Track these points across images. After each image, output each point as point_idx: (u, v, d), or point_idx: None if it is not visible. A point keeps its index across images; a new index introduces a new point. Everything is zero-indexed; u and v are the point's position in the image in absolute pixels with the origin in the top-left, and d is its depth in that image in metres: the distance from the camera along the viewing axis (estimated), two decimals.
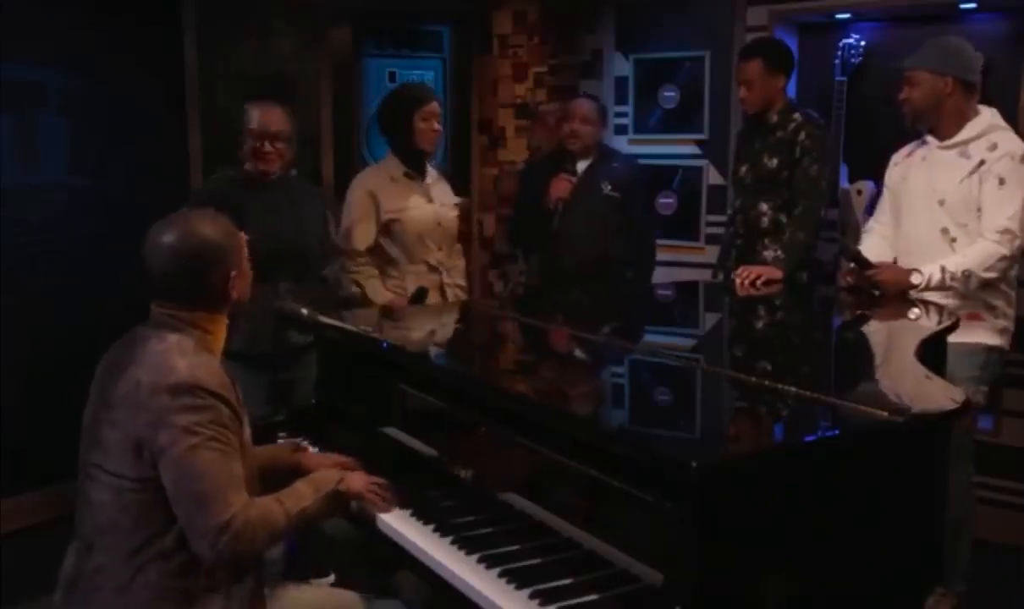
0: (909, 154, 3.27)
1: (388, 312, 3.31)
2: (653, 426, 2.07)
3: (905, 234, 3.24)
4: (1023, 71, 3.89)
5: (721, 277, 3.90)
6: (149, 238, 1.98)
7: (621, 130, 5.02)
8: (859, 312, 3.13)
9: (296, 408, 2.81)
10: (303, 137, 3.43)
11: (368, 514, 2.11)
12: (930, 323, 2.78)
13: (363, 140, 5.21)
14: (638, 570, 1.68)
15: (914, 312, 2.94)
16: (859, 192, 4.20)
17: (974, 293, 3.06)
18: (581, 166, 4.00)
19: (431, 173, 3.75)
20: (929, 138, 3.19)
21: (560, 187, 3.94)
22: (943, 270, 3.01)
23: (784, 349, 2.78)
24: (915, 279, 3.04)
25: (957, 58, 3.10)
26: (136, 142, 4.20)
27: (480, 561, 1.86)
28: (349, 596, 2.21)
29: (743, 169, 3.82)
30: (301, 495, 2.01)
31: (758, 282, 3.33)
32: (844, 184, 4.26)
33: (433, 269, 3.64)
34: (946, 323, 2.74)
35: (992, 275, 3.03)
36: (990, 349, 3.09)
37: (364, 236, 3.54)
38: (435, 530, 2.00)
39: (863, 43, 4.27)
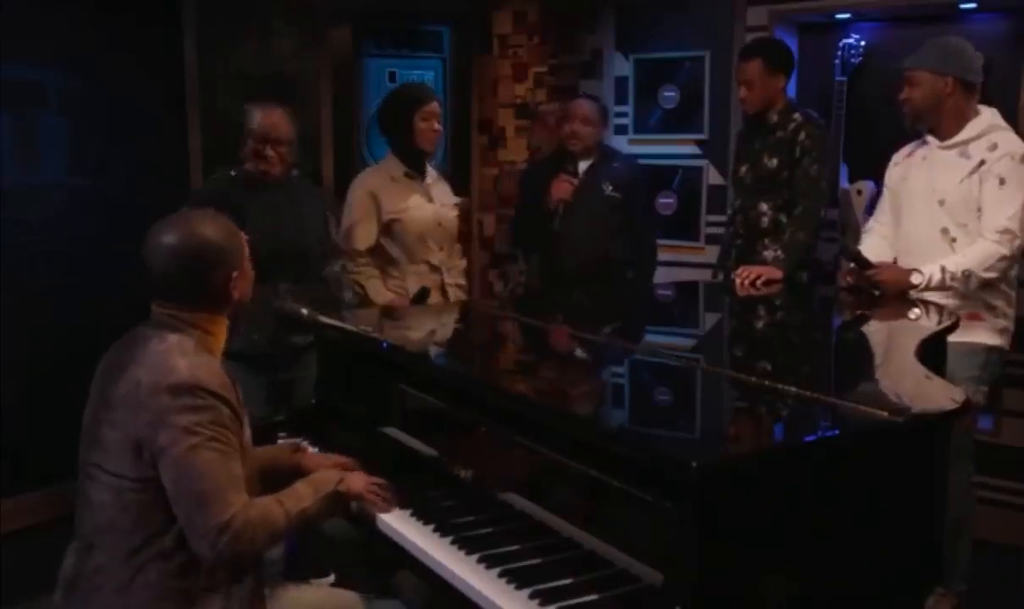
0: (909, 154, 3.27)
1: (388, 312, 3.31)
2: (653, 426, 2.07)
3: (905, 234, 3.24)
4: (1023, 71, 3.89)
5: (721, 277, 3.90)
6: (150, 238, 1.98)
7: (621, 130, 5.02)
8: (859, 312, 3.13)
9: (296, 408, 2.81)
10: (303, 137, 3.43)
11: (368, 514, 2.11)
12: (930, 323, 2.78)
13: (363, 140, 5.21)
14: (638, 570, 1.68)
15: (914, 312, 2.94)
16: (859, 192, 4.20)
17: (974, 293, 3.06)
18: (582, 167, 4.00)
19: (431, 173, 3.75)
20: (929, 138, 3.19)
21: (561, 188, 3.93)
22: (943, 270, 3.01)
23: (784, 349, 2.78)
24: (915, 279, 3.04)
25: (957, 58, 3.10)
26: (136, 142, 4.20)
27: (480, 561, 1.86)
28: (349, 596, 2.21)
29: (743, 169, 3.82)
30: (301, 496, 2.01)
31: (758, 282, 3.33)
32: (844, 184, 4.26)
33: (434, 269, 3.65)
34: (946, 323, 2.74)
35: (992, 275, 3.03)
36: (990, 349, 3.09)
37: (365, 236, 3.54)
38: (435, 530, 2.00)
39: (863, 43, 4.27)
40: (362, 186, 3.62)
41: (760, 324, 3.18)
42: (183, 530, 1.86)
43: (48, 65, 3.95)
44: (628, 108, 5.03)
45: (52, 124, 3.99)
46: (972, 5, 3.98)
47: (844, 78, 4.26)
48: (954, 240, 3.08)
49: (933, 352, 2.48)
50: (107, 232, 4.06)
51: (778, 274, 3.41)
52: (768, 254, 3.64)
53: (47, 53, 3.93)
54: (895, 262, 3.24)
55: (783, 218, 3.66)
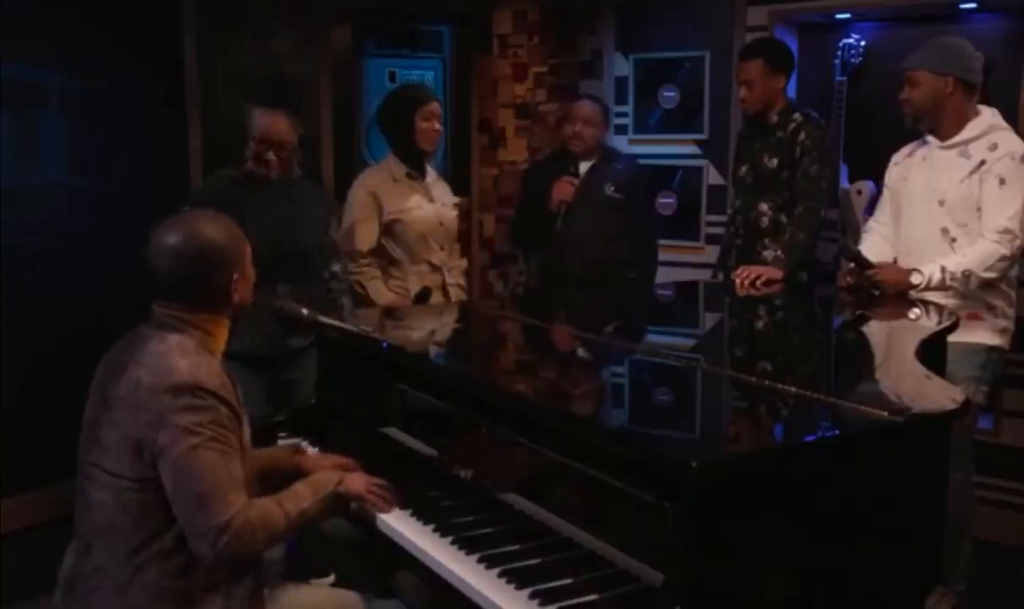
0: (909, 154, 3.27)
1: (388, 312, 3.31)
2: (653, 426, 2.07)
3: (905, 234, 3.24)
4: (1023, 71, 3.89)
5: (721, 277, 3.90)
6: (153, 238, 1.98)
7: (621, 130, 5.02)
8: (859, 312, 3.13)
9: (296, 408, 2.81)
10: (303, 137, 3.43)
11: (368, 514, 2.11)
12: (930, 323, 2.78)
13: (363, 140, 5.21)
14: (638, 570, 1.68)
15: (914, 312, 2.95)
16: (859, 192, 4.20)
17: (974, 293, 3.06)
18: (584, 167, 3.99)
19: (431, 173, 3.75)
20: (929, 138, 3.19)
21: (563, 190, 3.92)
22: (943, 270, 3.01)
23: (784, 349, 2.78)
24: (915, 279, 3.04)
25: (958, 58, 3.10)
26: (136, 142, 4.20)
27: (480, 561, 1.86)
28: (349, 596, 2.21)
29: (743, 169, 3.82)
30: (300, 497, 2.01)
31: (758, 282, 3.33)
32: (844, 184, 4.26)
33: (435, 269, 3.65)
34: (946, 323, 2.74)
35: (992, 275, 3.03)
36: (990, 349, 3.09)
37: (366, 237, 3.54)
38: (435, 530, 2.00)
39: (863, 43, 4.27)
40: (363, 186, 3.62)
41: (760, 324, 3.18)
42: (183, 530, 1.86)
43: (48, 65, 3.94)
44: (628, 108, 5.03)
45: (52, 124, 3.99)
46: (972, 5, 3.98)
47: (844, 78, 4.26)
48: (954, 240, 3.08)
49: (933, 352, 2.48)
50: (107, 232, 4.06)
51: (778, 274, 3.41)
52: (768, 254, 3.64)
53: (47, 53, 3.93)
54: (895, 262, 3.24)
55: (783, 218, 3.66)
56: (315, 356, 2.89)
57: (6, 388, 3.84)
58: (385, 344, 2.50)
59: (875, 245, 3.32)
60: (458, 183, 4.70)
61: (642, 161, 4.63)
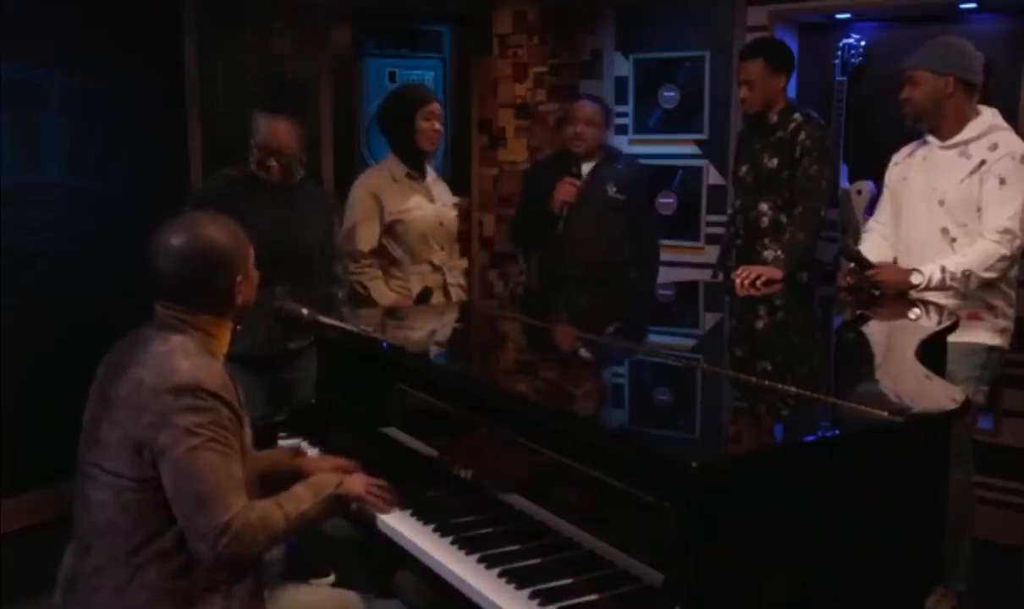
0: (910, 154, 3.27)
1: (388, 312, 3.31)
2: (653, 426, 2.07)
3: (905, 234, 3.24)
4: (1023, 71, 3.89)
5: (721, 277, 3.90)
6: (157, 239, 1.98)
7: (621, 130, 5.02)
8: (859, 312, 3.13)
9: (296, 408, 2.81)
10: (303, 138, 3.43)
11: (368, 514, 2.11)
12: (930, 323, 2.78)
13: (363, 140, 5.21)
14: (638, 570, 1.68)
15: (914, 312, 2.95)
16: (859, 192, 4.20)
17: (974, 293, 3.06)
18: (585, 168, 3.99)
19: (430, 173, 3.75)
20: (930, 138, 3.19)
21: (565, 191, 3.92)
22: (943, 270, 3.01)
23: (784, 349, 2.78)
24: (915, 279, 3.04)
25: (958, 58, 3.10)
26: (136, 142, 4.20)
27: (480, 561, 1.86)
28: (349, 596, 2.21)
29: (743, 169, 3.82)
30: (300, 499, 2.01)
31: (758, 282, 3.33)
32: (844, 184, 4.26)
33: (436, 269, 3.65)
34: (946, 323, 2.74)
35: (992, 275, 3.03)
36: (990, 349, 3.09)
37: (368, 237, 3.54)
38: (435, 530, 2.00)
39: (863, 43, 4.27)
40: (364, 187, 3.61)
41: (760, 324, 3.18)
42: (182, 531, 1.86)
43: (48, 65, 3.94)
44: (628, 108, 5.03)
45: (52, 124, 3.99)
46: (972, 5, 3.98)
47: (844, 78, 4.26)
48: (954, 240, 3.08)
49: (933, 352, 2.48)
50: (107, 232, 4.06)
51: (778, 274, 3.41)
52: (768, 254, 3.64)
53: (47, 53, 3.93)
54: (895, 262, 3.24)
55: (783, 218, 3.66)
56: (315, 356, 2.89)
57: (6, 388, 3.84)
58: (385, 344, 2.50)
59: (875, 245, 3.31)
60: (458, 183, 4.70)
61: (642, 161, 4.64)
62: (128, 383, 1.88)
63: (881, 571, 1.81)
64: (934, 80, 3.09)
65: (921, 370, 2.22)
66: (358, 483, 2.11)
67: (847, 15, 4.33)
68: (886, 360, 2.61)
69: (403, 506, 2.11)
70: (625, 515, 1.70)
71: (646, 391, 2.35)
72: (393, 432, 2.38)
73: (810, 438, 1.92)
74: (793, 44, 4.35)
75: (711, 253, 4.50)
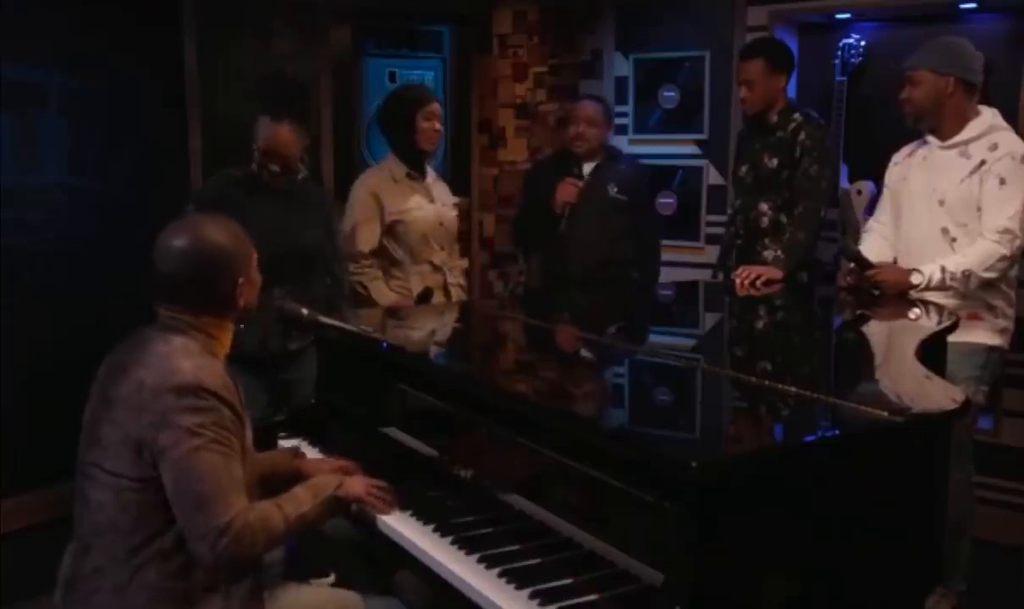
0: (910, 154, 3.27)
1: (388, 312, 3.31)
2: (653, 426, 2.07)
3: (905, 234, 3.24)
4: (1023, 71, 3.89)
5: (721, 277, 3.89)
6: (159, 241, 1.99)
7: (621, 130, 5.02)
8: (859, 312, 3.13)
9: (296, 408, 2.81)
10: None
11: (368, 515, 2.11)
12: (930, 323, 2.78)
13: (363, 140, 5.21)
14: (638, 570, 1.68)
15: (914, 312, 2.95)
16: (859, 192, 4.20)
17: (974, 293, 3.06)
18: (587, 168, 3.99)
19: (430, 173, 3.75)
20: (930, 138, 3.19)
21: (567, 191, 3.91)
22: (943, 270, 3.01)
23: (784, 349, 2.78)
24: (915, 279, 3.04)
25: (958, 58, 3.10)
26: (136, 142, 4.20)
27: (480, 561, 1.86)
28: (349, 596, 2.21)
29: (743, 169, 3.82)
30: (300, 500, 2.01)
31: (758, 282, 3.33)
32: (844, 184, 4.26)
33: (437, 269, 3.65)
34: (946, 323, 2.74)
35: (992, 275, 3.03)
36: (990, 349, 3.09)
37: (368, 238, 3.54)
38: (435, 530, 2.00)
39: (863, 43, 4.27)
40: (364, 187, 3.62)
41: (760, 324, 3.18)
42: (182, 531, 1.86)
43: (48, 65, 3.94)
44: (628, 108, 5.03)
45: (52, 124, 3.99)
46: (972, 5, 3.98)
47: (844, 78, 4.26)
48: (954, 240, 3.08)
49: (933, 352, 2.48)
50: (107, 232, 4.06)
51: (778, 274, 3.41)
52: (768, 254, 3.64)
53: (47, 53, 3.93)
54: (895, 262, 3.24)
55: (783, 218, 3.66)
56: (315, 356, 2.89)
57: (6, 388, 3.84)
58: (385, 344, 2.50)
59: (875, 245, 3.31)
60: (458, 183, 4.70)
61: (642, 161, 4.64)
62: (129, 383, 1.88)
63: (881, 571, 1.81)
64: (934, 80, 3.09)
65: (921, 370, 2.22)
66: (358, 484, 2.11)
67: (847, 15, 4.33)
68: (886, 360, 2.61)
69: (403, 506, 2.11)
70: (625, 515, 1.70)
71: (646, 391, 2.35)
72: (393, 432, 2.38)
73: (810, 438, 1.92)
74: (793, 44, 4.35)
75: (711, 253, 4.50)
